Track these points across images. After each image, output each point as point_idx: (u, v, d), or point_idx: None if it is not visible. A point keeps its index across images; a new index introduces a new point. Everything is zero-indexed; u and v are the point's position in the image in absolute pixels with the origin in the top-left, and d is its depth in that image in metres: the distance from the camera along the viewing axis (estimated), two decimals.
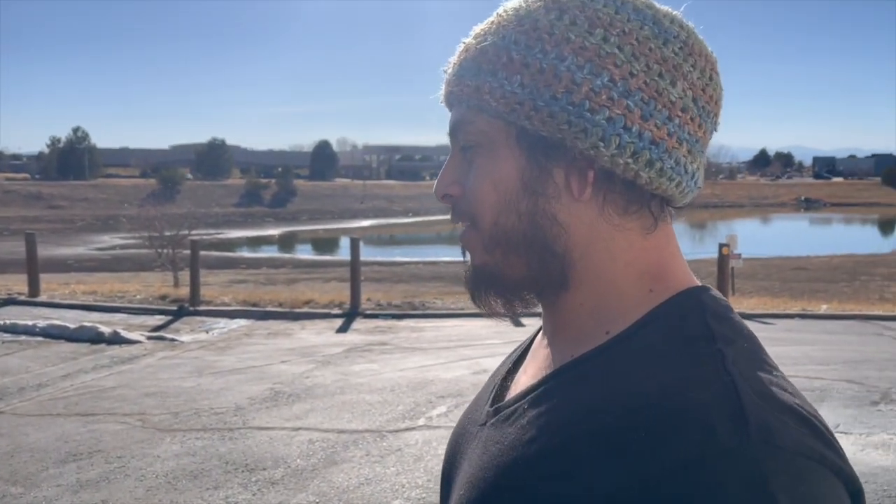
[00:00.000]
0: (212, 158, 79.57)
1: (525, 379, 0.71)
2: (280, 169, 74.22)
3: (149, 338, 8.94)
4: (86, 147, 77.17)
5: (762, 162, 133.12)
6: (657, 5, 0.66)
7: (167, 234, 16.26)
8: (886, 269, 20.21)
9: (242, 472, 4.62)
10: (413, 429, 5.39)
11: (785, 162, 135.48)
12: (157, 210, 19.16)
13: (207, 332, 9.44)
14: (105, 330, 8.81)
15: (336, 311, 10.72)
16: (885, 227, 49.36)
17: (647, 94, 0.62)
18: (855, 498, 0.55)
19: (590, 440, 0.56)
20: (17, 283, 12.85)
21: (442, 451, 5.42)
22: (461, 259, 0.72)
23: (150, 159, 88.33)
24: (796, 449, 0.52)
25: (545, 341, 0.71)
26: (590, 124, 0.61)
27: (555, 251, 0.65)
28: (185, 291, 11.80)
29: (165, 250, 15.96)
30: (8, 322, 9.35)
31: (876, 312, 10.60)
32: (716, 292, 0.67)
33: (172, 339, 8.90)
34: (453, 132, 0.69)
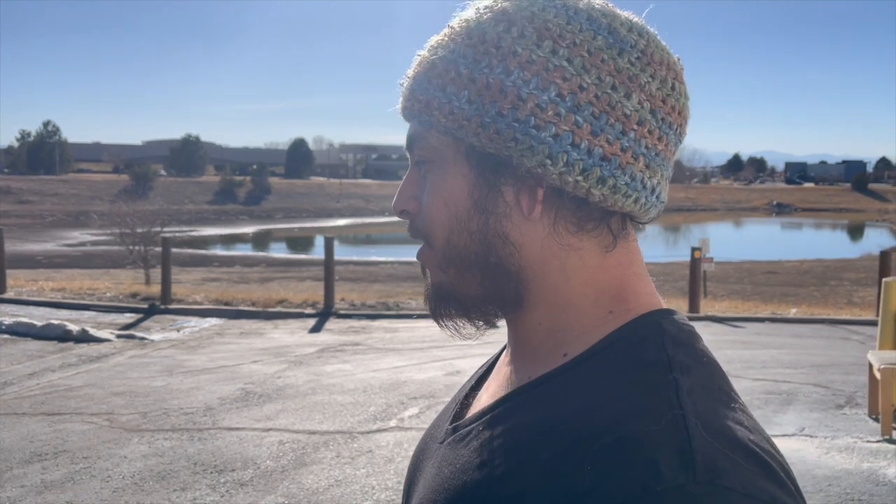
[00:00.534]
0: (186, 155, 78.67)
1: (485, 397, 0.70)
2: (255, 167, 73.69)
3: (118, 336, 8.82)
4: (56, 141, 75.89)
5: (735, 166, 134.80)
6: (617, 12, 0.64)
7: (139, 230, 16.03)
8: (855, 274, 20.57)
9: (211, 473, 4.57)
10: (384, 430, 5.37)
11: (758, 167, 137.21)
12: (129, 206, 18.88)
13: (178, 331, 9.34)
14: (73, 328, 8.67)
15: (309, 310, 10.66)
16: (855, 232, 50.26)
17: (598, 108, 0.60)
18: None
19: (536, 468, 0.55)
20: None
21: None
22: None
23: (123, 155, 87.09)
24: (744, 490, 0.50)
25: (507, 359, 0.70)
26: (536, 141, 0.59)
27: (508, 270, 0.63)
28: (156, 289, 11.66)
29: (137, 247, 15.75)
30: None
31: (844, 317, 10.79)
32: (680, 316, 0.65)
33: (142, 338, 8.79)
34: (408, 147, 0.67)
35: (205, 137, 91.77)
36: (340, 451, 4.95)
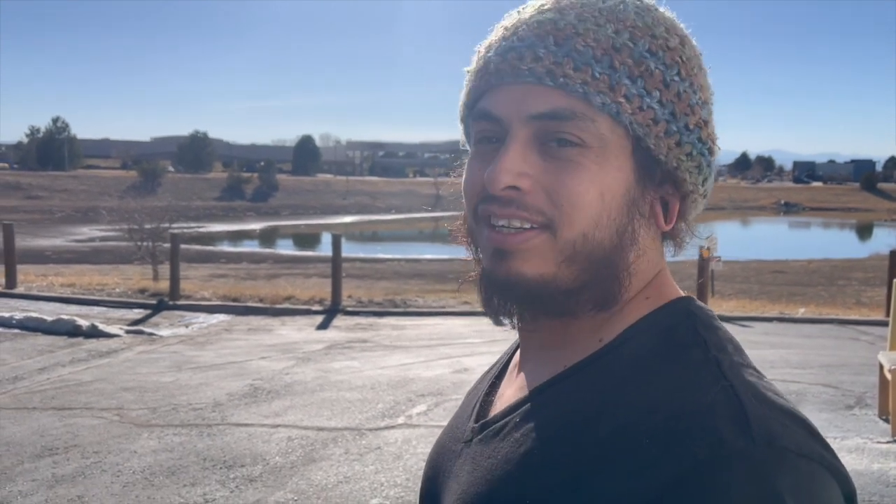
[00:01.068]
0: (194, 151, 78.89)
1: (511, 393, 0.70)
2: (262, 163, 73.84)
3: (127, 331, 8.86)
4: (66, 137, 76.23)
5: (743, 165, 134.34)
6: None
7: (147, 226, 16.12)
8: (863, 274, 20.49)
9: (220, 468, 4.59)
10: (393, 427, 5.39)
11: (766, 166, 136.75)
12: (137, 202, 18.98)
13: (187, 327, 9.38)
14: (83, 323, 8.72)
15: (317, 307, 10.68)
16: (863, 232, 50.01)
17: (705, 131, 0.65)
18: (849, 499, 0.56)
19: (592, 450, 0.56)
20: None
21: (422, 449, 5.43)
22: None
23: (132, 151, 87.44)
24: (798, 450, 0.53)
25: (532, 352, 0.70)
26: (706, 163, 0.64)
27: (622, 272, 0.63)
28: (164, 285, 11.71)
29: (145, 243, 15.84)
30: None
31: (852, 317, 10.74)
32: (699, 302, 0.67)
33: (151, 334, 8.83)
34: (553, 117, 0.59)
35: (213, 134, 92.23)
36: (349, 447, 4.97)
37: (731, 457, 0.51)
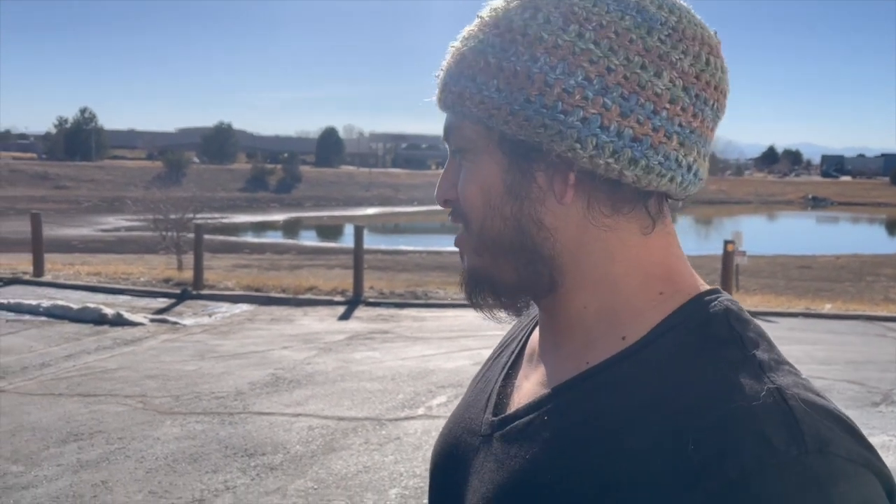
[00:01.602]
0: (218, 143, 79.54)
1: (530, 386, 0.69)
2: (286, 155, 74.25)
3: (152, 320, 8.97)
4: (93, 128, 77.22)
5: (770, 159, 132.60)
6: None
7: (172, 217, 16.26)
8: (892, 270, 20.14)
9: (242, 456, 4.64)
10: (413, 418, 5.40)
11: (793, 159, 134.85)
12: (162, 193, 19.17)
13: (210, 316, 9.47)
14: (108, 311, 8.84)
15: (339, 298, 10.73)
16: (893, 227, 49.17)
17: (627, 90, 0.60)
18: (891, 497, 0.55)
19: (629, 457, 0.55)
20: (22, 263, 12.89)
21: None
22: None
23: (157, 142, 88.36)
24: (848, 456, 0.52)
25: (549, 345, 0.69)
26: (564, 126, 0.60)
27: (542, 255, 0.64)
28: (188, 275, 11.82)
29: (170, 233, 15.99)
30: (12, 301, 9.39)
31: (880, 313, 10.57)
32: (728, 295, 0.65)
33: (175, 323, 8.93)
34: (445, 137, 0.69)
35: (237, 125, 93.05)
36: (369, 437, 4.99)
37: (782, 465, 0.50)
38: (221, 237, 27.63)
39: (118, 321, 8.65)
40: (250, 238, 32.19)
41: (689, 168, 0.63)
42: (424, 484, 4.20)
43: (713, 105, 0.64)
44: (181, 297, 10.63)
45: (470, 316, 9.75)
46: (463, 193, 0.66)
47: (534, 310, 0.75)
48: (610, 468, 0.55)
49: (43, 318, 8.76)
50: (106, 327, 8.45)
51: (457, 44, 0.67)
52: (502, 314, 0.70)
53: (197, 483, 4.24)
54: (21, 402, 5.67)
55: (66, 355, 7.16)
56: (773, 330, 9.00)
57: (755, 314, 10.15)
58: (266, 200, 55.79)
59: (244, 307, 10.16)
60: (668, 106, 0.61)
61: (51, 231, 21.88)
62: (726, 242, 11.00)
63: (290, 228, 39.28)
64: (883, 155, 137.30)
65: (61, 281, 11.55)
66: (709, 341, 0.60)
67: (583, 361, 0.63)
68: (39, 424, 5.17)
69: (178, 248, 15.10)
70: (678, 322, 0.62)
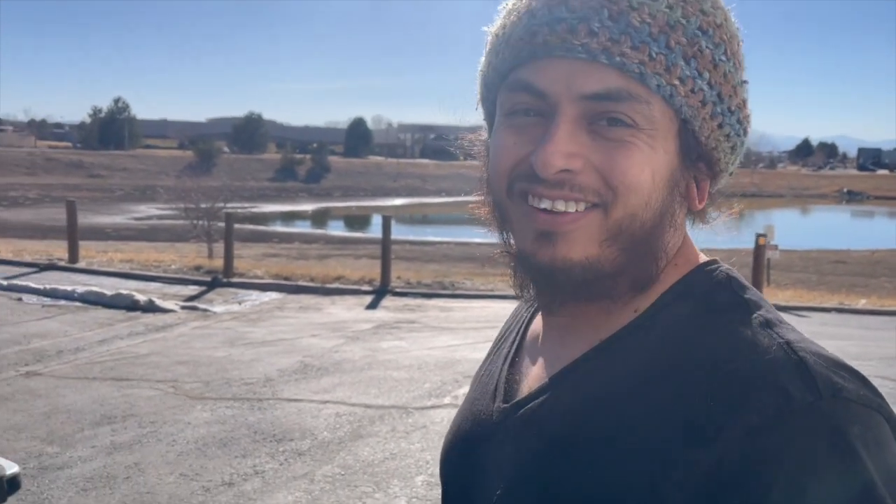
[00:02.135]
0: (248, 132, 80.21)
1: (538, 370, 0.68)
2: (315, 145, 74.57)
3: (182, 307, 9.10)
4: (126, 117, 78.33)
5: (804, 151, 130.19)
6: None
7: (203, 206, 16.47)
8: None
9: (270, 441, 4.70)
10: (439, 407, 5.42)
11: (828, 152, 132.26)
12: (193, 182, 19.39)
13: (240, 304, 9.58)
14: (140, 298, 8.99)
15: (366, 287, 10.79)
16: None
17: (747, 107, 0.65)
18: None
19: (648, 417, 0.56)
20: (58, 250, 13.15)
21: None
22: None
23: (188, 132, 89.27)
24: (860, 400, 0.54)
25: (559, 327, 0.68)
26: (740, 143, 0.63)
27: (665, 251, 0.64)
28: (219, 263, 11.97)
29: (201, 222, 16.19)
30: (48, 287, 9.60)
31: None
32: (726, 264, 0.67)
33: (205, 310, 9.05)
34: (607, 98, 0.57)
35: (267, 116, 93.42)
36: (395, 425, 5.02)
37: (799, 412, 0.52)
38: (251, 226, 27.90)
39: (150, 308, 8.79)
40: (279, 227, 32.46)
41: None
42: None
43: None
44: (211, 285, 10.77)
45: (497, 307, 9.74)
46: (631, 175, 0.58)
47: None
48: (630, 431, 0.56)
49: (77, 304, 8.94)
50: (138, 313, 8.60)
51: None
52: (553, 305, 0.64)
53: (226, 467, 4.31)
54: (56, 385, 5.80)
55: (100, 340, 7.30)
56: (805, 325, 8.87)
57: (786, 309, 10.02)
58: (295, 190, 56.18)
59: (273, 295, 10.26)
60: (748, 118, 0.65)
61: (84, 219, 22.27)
62: (758, 236, 10.85)
63: (319, 218, 39.54)
64: None
65: (95, 267, 11.76)
66: (716, 305, 0.61)
67: (595, 337, 0.64)
68: (74, 407, 5.28)
69: (208, 237, 15.28)
70: (684, 290, 0.63)
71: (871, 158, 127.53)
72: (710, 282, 0.63)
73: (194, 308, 9.13)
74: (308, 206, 45.22)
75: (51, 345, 7.02)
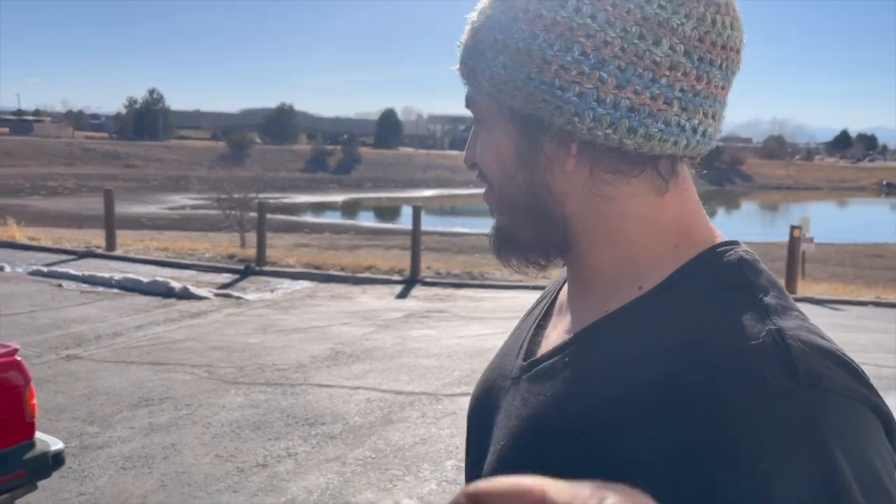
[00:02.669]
0: (280, 123, 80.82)
1: (556, 334, 0.73)
2: (346, 136, 74.87)
3: (216, 294, 9.26)
4: (160, 108, 79.41)
5: (843, 143, 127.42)
6: None
7: (235, 196, 16.65)
8: None
9: (303, 425, 4.78)
10: (468, 394, 5.43)
11: (868, 144, 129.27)
12: (226, 172, 19.62)
13: (272, 292, 9.71)
14: (176, 285, 9.16)
15: (396, 277, 10.86)
16: None
17: (623, 61, 0.61)
18: (890, 434, 0.57)
19: (640, 389, 0.58)
20: (95, 237, 13.44)
21: None
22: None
23: (221, 122, 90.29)
24: (842, 391, 0.55)
25: (574, 297, 0.73)
26: (561, 102, 0.62)
27: (555, 218, 0.68)
28: (251, 252, 12.13)
29: (233, 212, 16.37)
30: (87, 273, 9.83)
31: None
32: (744, 246, 0.68)
33: (238, 297, 9.19)
34: (467, 107, 0.72)
35: (298, 107, 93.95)
36: (425, 411, 5.07)
37: (777, 399, 0.53)
38: (282, 216, 28.14)
39: (185, 295, 8.96)
40: (310, 218, 32.70)
41: (696, 130, 0.64)
42: None
43: (721, 65, 0.64)
44: (244, 273, 10.92)
45: (526, 297, 9.74)
46: (481, 160, 0.70)
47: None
48: (617, 404, 0.59)
49: (115, 290, 9.14)
50: (173, 300, 8.77)
51: (473, 16, 0.69)
52: (528, 270, 0.74)
53: (260, 449, 4.40)
54: (96, 368, 5.96)
55: (137, 326, 7.47)
56: (841, 318, 8.75)
57: (821, 302, 9.88)
58: (326, 181, 56.52)
59: (305, 284, 10.38)
60: (667, 73, 0.62)
61: (120, 208, 22.67)
62: (793, 228, 10.69)
63: (349, 209, 39.76)
64: None
65: (132, 255, 12.00)
66: (718, 288, 0.63)
67: (602, 310, 0.68)
68: (113, 389, 5.42)
69: (241, 227, 15.46)
70: (692, 270, 0.65)
71: None
72: (720, 264, 0.65)
73: (228, 295, 9.28)
74: (338, 197, 45.49)
75: (90, 329, 7.20)
